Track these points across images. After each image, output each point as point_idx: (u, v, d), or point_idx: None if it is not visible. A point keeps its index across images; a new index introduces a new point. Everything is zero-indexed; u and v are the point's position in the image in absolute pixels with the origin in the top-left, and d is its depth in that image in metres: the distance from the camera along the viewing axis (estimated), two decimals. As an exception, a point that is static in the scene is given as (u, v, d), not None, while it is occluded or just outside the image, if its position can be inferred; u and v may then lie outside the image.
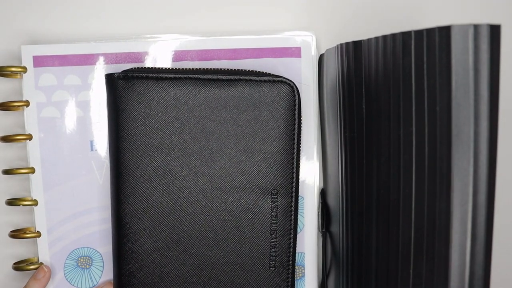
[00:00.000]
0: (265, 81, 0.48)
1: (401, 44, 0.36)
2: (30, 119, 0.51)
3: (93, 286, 0.53)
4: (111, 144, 0.49)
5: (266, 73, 0.49)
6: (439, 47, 0.33)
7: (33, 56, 0.51)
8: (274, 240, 0.49)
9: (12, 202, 0.51)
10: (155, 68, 0.49)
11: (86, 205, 0.52)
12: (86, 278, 0.53)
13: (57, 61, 0.51)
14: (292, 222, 0.49)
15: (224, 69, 0.49)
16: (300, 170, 0.51)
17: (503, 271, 0.53)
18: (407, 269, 0.38)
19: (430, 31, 0.34)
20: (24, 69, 0.51)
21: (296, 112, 0.48)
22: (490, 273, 0.33)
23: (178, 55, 0.51)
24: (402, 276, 0.38)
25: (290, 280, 0.50)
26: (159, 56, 0.51)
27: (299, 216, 0.53)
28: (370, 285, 0.43)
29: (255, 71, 0.50)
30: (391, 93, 0.38)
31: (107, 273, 0.53)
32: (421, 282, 0.36)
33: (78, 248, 0.52)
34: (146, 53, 0.51)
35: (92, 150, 0.52)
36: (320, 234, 0.54)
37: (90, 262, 0.53)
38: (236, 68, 0.50)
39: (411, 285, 0.37)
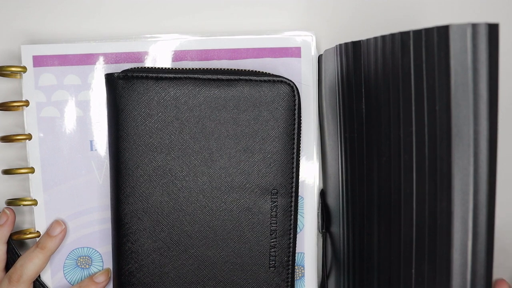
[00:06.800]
0: (265, 81, 0.47)
1: (400, 44, 0.36)
2: (29, 119, 0.51)
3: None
4: (111, 144, 0.48)
5: (266, 73, 0.49)
6: (438, 46, 0.33)
7: (33, 56, 0.51)
8: (274, 240, 0.49)
9: (12, 202, 0.51)
10: (155, 68, 0.49)
11: (86, 205, 0.52)
12: (85, 278, 0.53)
13: (57, 61, 0.51)
14: (292, 222, 0.49)
15: (224, 69, 0.49)
16: (300, 170, 0.51)
17: (505, 270, 0.53)
18: (409, 269, 0.38)
19: (428, 31, 0.34)
20: (24, 69, 0.50)
21: (296, 112, 0.48)
22: (492, 272, 0.33)
23: (178, 55, 0.51)
24: (404, 276, 0.38)
25: (289, 280, 0.50)
26: (159, 56, 0.51)
27: (299, 216, 0.53)
28: (372, 285, 0.43)
29: (255, 71, 0.50)
30: (390, 93, 0.38)
31: (107, 273, 0.53)
32: (423, 282, 0.36)
33: (78, 248, 0.52)
34: (146, 53, 0.51)
35: (92, 150, 0.52)
36: (320, 235, 0.53)
37: (90, 262, 0.53)
38: (236, 68, 0.50)
39: (413, 285, 0.37)
